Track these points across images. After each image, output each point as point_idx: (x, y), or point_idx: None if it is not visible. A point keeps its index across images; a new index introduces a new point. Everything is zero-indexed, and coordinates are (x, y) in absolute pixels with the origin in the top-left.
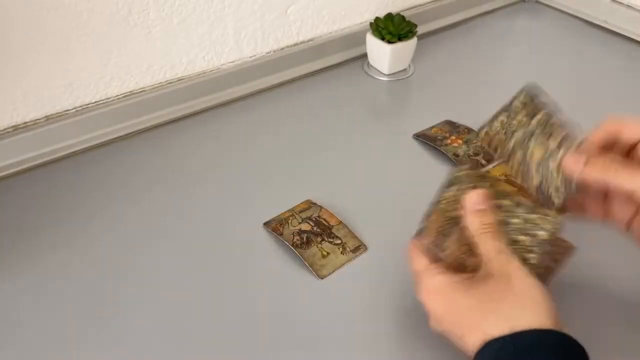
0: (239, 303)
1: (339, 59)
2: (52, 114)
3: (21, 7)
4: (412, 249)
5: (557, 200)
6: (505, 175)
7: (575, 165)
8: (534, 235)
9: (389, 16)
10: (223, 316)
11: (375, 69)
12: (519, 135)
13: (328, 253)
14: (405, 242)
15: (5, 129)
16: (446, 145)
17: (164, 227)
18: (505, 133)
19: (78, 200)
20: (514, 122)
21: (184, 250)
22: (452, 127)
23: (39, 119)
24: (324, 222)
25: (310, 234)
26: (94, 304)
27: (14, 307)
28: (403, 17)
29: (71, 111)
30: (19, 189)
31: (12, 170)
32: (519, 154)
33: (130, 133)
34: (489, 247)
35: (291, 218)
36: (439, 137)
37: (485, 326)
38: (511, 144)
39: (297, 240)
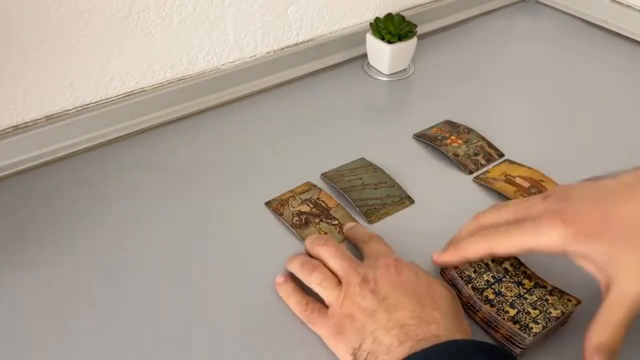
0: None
1: (339, 59)
2: (52, 114)
3: (21, 7)
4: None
5: (535, 329)
6: (505, 175)
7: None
8: (545, 311)
9: (389, 16)
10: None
11: (375, 69)
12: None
13: (325, 233)
14: (398, 231)
15: (5, 129)
16: (446, 145)
17: (165, 226)
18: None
19: (78, 200)
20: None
21: (184, 248)
22: (452, 127)
23: (39, 119)
24: (322, 203)
25: (309, 215)
26: (94, 304)
27: (14, 307)
28: (403, 17)
29: (71, 111)
30: (19, 189)
31: (12, 170)
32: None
33: (130, 133)
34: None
35: (291, 199)
36: (439, 137)
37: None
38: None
39: (297, 221)
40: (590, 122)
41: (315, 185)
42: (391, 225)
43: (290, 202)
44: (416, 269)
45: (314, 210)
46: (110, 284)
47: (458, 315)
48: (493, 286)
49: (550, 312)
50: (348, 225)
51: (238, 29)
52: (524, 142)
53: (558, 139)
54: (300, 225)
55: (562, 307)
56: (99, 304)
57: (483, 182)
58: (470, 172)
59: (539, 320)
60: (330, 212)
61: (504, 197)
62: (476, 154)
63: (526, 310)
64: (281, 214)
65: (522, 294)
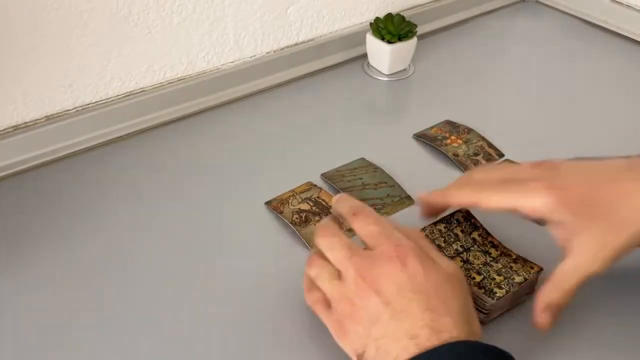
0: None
1: (339, 59)
2: (52, 114)
3: (21, 7)
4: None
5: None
6: None
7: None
8: (509, 277)
9: (389, 16)
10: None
11: (375, 69)
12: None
13: None
14: None
15: (5, 129)
16: (446, 145)
17: (165, 226)
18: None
19: (78, 200)
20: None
21: (184, 248)
22: (452, 127)
23: (39, 119)
24: (322, 202)
25: (309, 213)
26: (95, 304)
27: (13, 306)
28: (403, 17)
29: (71, 111)
30: (19, 189)
31: (12, 170)
32: None
33: (130, 133)
34: None
35: (292, 198)
36: (439, 137)
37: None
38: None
39: (296, 218)
40: (590, 122)
41: (315, 185)
42: None
43: (290, 201)
44: (419, 254)
45: (314, 208)
46: (111, 284)
47: (468, 313)
48: (461, 254)
49: (513, 278)
50: (333, 199)
51: (238, 29)
52: (524, 142)
53: (558, 139)
54: (300, 222)
55: (524, 274)
56: (99, 304)
57: None
58: None
59: (502, 286)
60: (330, 210)
61: None
62: (476, 154)
63: (491, 277)
64: (281, 212)
65: (488, 261)
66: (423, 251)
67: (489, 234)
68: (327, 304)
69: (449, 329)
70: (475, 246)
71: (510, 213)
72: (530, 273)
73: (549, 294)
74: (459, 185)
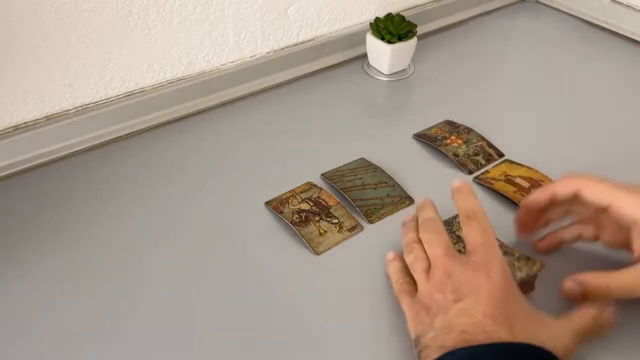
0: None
1: (339, 59)
2: (52, 114)
3: (22, 7)
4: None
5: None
6: (505, 175)
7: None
8: (512, 274)
9: (389, 16)
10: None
11: (375, 69)
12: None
13: (325, 231)
14: (399, 231)
15: (5, 129)
16: (446, 145)
17: (166, 224)
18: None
19: (78, 200)
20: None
21: (186, 245)
22: (452, 127)
23: (39, 119)
24: (322, 202)
25: (309, 213)
26: (96, 303)
27: (16, 307)
28: (403, 17)
29: (71, 111)
30: (19, 189)
31: (12, 170)
32: None
33: (130, 133)
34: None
35: (292, 198)
36: (439, 137)
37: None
38: None
39: (296, 218)
40: (590, 122)
41: (315, 185)
42: (391, 225)
43: (290, 201)
44: (507, 274)
45: (314, 208)
46: (110, 284)
47: (530, 338)
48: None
49: (516, 275)
50: (455, 186)
51: (238, 29)
52: (524, 142)
53: (558, 139)
54: (300, 222)
55: (527, 270)
56: (99, 304)
57: (483, 182)
58: (470, 172)
59: None
60: (331, 210)
61: (504, 197)
62: (476, 154)
63: None
64: (281, 212)
65: None
66: (512, 279)
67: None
68: (412, 293)
69: (501, 338)
70: None
71: (602, 211)
72: (532, 269)
73: (593, 277)
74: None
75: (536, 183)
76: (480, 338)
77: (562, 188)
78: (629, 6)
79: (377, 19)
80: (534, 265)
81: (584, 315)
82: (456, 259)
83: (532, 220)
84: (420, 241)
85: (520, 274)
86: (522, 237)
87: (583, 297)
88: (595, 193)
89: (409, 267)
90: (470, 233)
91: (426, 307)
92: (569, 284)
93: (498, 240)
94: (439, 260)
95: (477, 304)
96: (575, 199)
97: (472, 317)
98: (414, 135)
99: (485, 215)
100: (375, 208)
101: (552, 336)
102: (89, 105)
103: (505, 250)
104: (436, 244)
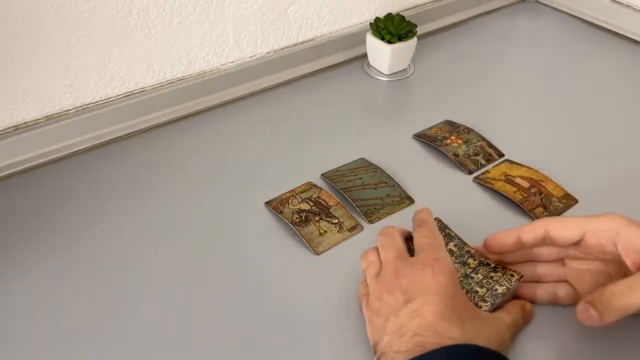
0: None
1: (339, 59)
2: (52, 114)
3: (22, 7)
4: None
5: (485, 307)
6: (505, 175)
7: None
8: (491, 288)
9: (389, 16)
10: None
11: (375, 69)
12: None
13: (325, 231)
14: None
15: (5, 129)
16: (446, 145)
17: (166, 225)
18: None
19: (78, 200)
20: None
21: (186, 245)
22: (452, 127)
23: (39, 119)
24: (322, 202)
25: (309, 213)
26: (96, 303)
27: (16, 307)
28: (403, 17)
29: (71, 111)
30: (19, 189)
31: (12, 170)
32: None
33: (130, 133)
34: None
35: (292, 198)
36: (439, 137)
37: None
38: None
39: (296, 218)
40: (590, 122)
41: (315, 185)
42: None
43: (290, 201)
44: (453, 273)
45: (314, 208)
46: (110, 284)
47: (478, 334)
48: None
49: (496, 289)
50: (417, 210)
51: (238, 29)
52: (524, 142)
53: (558, 139)
54: (300, 222)
55: (506, 283)
56: (99, 304)
57: (483, 182)
58: (470, 172)
59: (487, 299)
60: (331, 210)
61: (504, 197)
62: (476, 154)
63: (474, 290)
64: (281, 212)
65: (468, 273)
66: (457, 274)
67: (464, 243)
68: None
69: (454, 337)
70: (452, 258)
71: (575, 246)
72: (511, 282)
73: (599, 296)
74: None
75: (536, 183)
76: (432, 340)
77: (528, 232)
78: (629, 6)
79: (377, 19)
80: (512, 276)
81: (514, 307)
82: (406, 259)
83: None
84: (375, 248)
85: (501, 289)
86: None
87: (600, 319)
88: (565, 227)
89: (364, 272)
90: (419, 237)
91: (377, 310)
92: (582, 306)
93: (471, 247)
94: (389, 262)
95: (426, 304)
96: (542, 243)
97: (423, 318)
98: (414, 135)
99: (436, 226)
100: (375, 208)
101: (495, 330)
102: (89, 105)
103: (480, 260)
104: (389, 247)
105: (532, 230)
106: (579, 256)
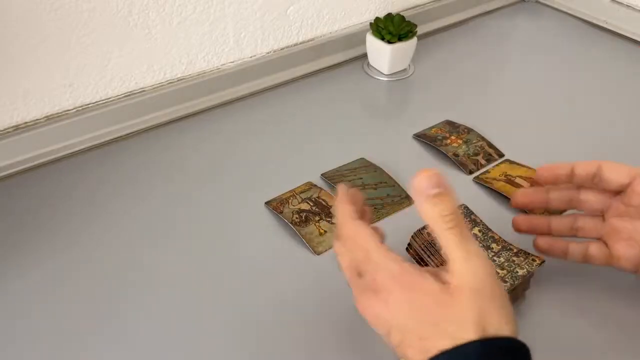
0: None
1: (339, 59)
2: (52, 114)
3: (22, 7)
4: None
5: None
6: (505, 175)
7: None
8: (512, 271)
9: (389, 16)
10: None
11: (375, 69)
12: None
13: (325, 231)
14: (399, 232)
15: (5, 129)
16: (446, 145)
17: (166, 225)
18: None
19: (78, 200)
20: None
21: (186, 245)
22: (452, 127)
23: (39, 119)
24: (323, 202)
25: (309, 213)
26: (96, 303)
27: (16, 307)
28: (403, 17)
29: (71, 111)
30: (19, 189)
31: (12, 170)
32: None
33: (131, 133)
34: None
35: (292, 198)
36: (439, 137)
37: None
38: None
39: (297, 218)
40: (590, 122)
41: (315, 185)
42: (391, 225)
43: (290, 200)
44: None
45: (314, 208)
46: (110, 283)
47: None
48: None
49: (517, 272)
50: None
51: (238, 29)
52: (524, 142)
53: (558, 139)
54: (300, 222)
55: (527, 267)
56: (99, 303)
57: (483, 182)
58: (470, 172)
59: (507, 279)
60: (331, 210)
61: (504, 197)
62: (476, 154)
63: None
64: (281, 212)
65: (490, 257)
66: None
67: (489, 229)
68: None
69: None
70: (477, 242)
71: (620, 195)
72: (532, 266)
73: None
74: None
75: (536, 183)
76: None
77: (583, 165)
78: (629, 6)
79: (377, 19)
80: (533, 261)
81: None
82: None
83: (533, 200)
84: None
85: (522, 271)
86: (518, 225)
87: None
88: (617, 169)
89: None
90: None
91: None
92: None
93: (495, 233)
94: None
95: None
96: (591, 181)
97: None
98: (414, 135)
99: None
100: (375, 208)
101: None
102: (89, 105)
103: (503, 245)
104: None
105: (586, 164)
106: (621, 210)
